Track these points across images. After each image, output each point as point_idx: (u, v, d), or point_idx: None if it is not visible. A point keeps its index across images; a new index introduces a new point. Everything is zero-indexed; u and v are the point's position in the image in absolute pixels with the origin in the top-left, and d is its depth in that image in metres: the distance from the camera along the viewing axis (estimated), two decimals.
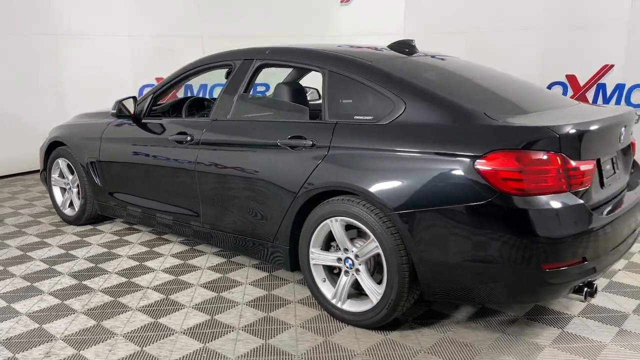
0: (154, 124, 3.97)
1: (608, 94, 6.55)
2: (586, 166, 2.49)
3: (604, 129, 2.68)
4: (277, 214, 3.13)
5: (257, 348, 2.71)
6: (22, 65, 6.88)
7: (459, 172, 2.46)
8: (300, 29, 8.06)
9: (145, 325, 2.96)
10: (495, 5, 7.37)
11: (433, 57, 3.52)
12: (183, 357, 2.64)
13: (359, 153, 2.79)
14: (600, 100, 6.64)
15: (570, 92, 6.90)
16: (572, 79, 6.86)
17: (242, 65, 3.53)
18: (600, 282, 3.43)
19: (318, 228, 2.93)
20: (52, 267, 3.85)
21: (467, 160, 2.45)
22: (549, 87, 7.08)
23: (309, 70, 3.41)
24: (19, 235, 4.57)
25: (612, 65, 6.47)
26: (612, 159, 2.92)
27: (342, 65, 3.07)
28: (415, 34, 8.05)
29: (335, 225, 2.86)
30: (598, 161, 2.72)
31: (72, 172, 4.68)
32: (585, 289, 2.54)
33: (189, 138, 3.58)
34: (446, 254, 2.53)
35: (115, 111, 4.02)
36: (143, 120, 4.05)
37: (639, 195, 3.06)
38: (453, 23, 7.70)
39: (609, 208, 2.71)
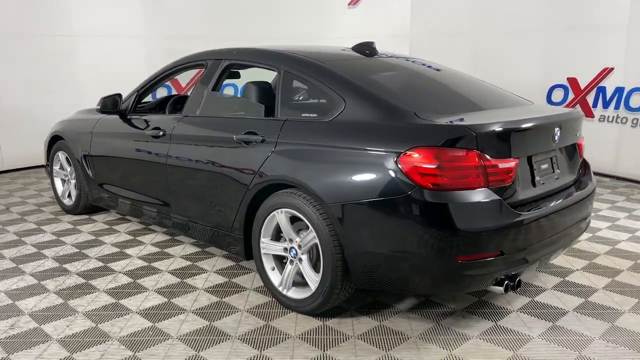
0: (138, 119, 4.22)
1: (608, 97, 6.50)
2: (506, 164, 2.59)
3: (530, 128, 2.77)
4: (233, 205, 3.32)
5: (200, 329, 2.90)
6: (39, 65, 7.28)
7: (384, 167, 2.60)
8: (308, 31, 8.25)
9: (106, 305, 3.20)
10: (498, 8, 7.40)
11: (393, 58, 3.64)
12: (132, 333, 2.86)
13: (302, 149, 2.96)
14: (600, 103, 6.60)
15: (571, 95, 6.88)
16: (573, 81, 6.83)
17: (212, 64, 3.74)
18: (551, 280, 3.50)
19: (267, 219, 3.11)
20: (41, 251, 4.14)
21: (392, 156, 2.58)
22: (550, 90, 7.08)
23: (270, 70, 3.58)
24: (20, 222, 4.90)
25: (612, 69, 6.42)
26: (551, 158, 3.00)
27: (294, 65, 3.24)
28: (421, 35, 8.18)
29: (281, 216, 3.03)
30: (530, 160, 2.81)
31: (70, 165, 4.99)
32: (507, 281, 2.64)
33: (161, 133, 3.82)
34: (371, 245, 2.66)
35: (99, 107, 4.29)
36: (128, 116, 4.30)
37: (584, 195, 3.13)
38: (458, 25, 7.76)
39: (541, 205, 2.79)
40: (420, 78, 3.45)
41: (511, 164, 2.61)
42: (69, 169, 5.03)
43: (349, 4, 8.35)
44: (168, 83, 7.87)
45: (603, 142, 6.57)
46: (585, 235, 4.38)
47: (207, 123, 3.61)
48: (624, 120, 6.35)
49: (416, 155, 2.53)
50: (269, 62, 3.42)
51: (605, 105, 6.54)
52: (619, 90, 6.39)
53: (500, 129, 2.62)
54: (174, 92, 8.00)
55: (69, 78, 7.53)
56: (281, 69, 3.29)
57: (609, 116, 6.51)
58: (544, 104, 3.49)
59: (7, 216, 5.12)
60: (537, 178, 2.85)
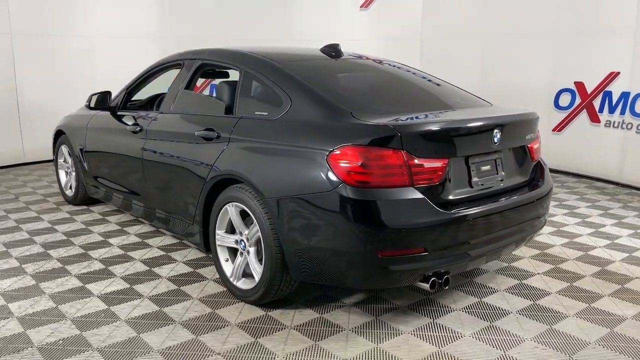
0: (125, 115, 4.43)
1: (614, 102, 6.36)
2: (433, 164, 2.65)
3: (462, 130, 2.82)
4: (194, 199, 3.48)
5: (148, 313, 3.07)
6: (60, 65, 7.67)
7: (316, 164, 2.70)
8: (320, 33, 8.37)
9: (72, 288, 3.41)
10: (508, 12, 7.35)
11: (357, 59, 3.73)
12: (86, 314, 3.05)
13: (250, 145, 3.09)
14: (606, 108, 6.46)
15: (578, 100, 6.76)
16: (580, 86, 6.71)
17: (187, 64, 3.92)
18: (507, 282, 3.51)
19: (221, 212, 3.25)
20: (32, 237, 4.42)
21: (323, 153, 2.68)
22: (558, 94, 6.97)
23: (234, 69, 3.71)
24: (23, 210, 5.22)
25: (618, 73, 6.28)
26: (495, 160, 3.04)
27: (252, 65, 3.38)
28: (431, 37, 8.19)
29: (231, 209, 3.17)
30: (467, 161, 2.86)
31: (71, 158, 5.27)
32: (433, 278, 2.70)
33: (138, 129, 4.02)
34: (304, 239, 2.77)
35: (87, 103, 4.54)
36: (118, 113, 4.53)
37: (536, 196, 3.15)
38: (467, 27, 7.74)
39: (476, 205, 2.83)
40: (377, 79, 3.53)
41: (438, 164, 2.67)
42: (70, 162, 5.32)
43: (361, 6, 8.43)
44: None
45: (608, 148, 6.44)
46: (561, 241, 4.35)
47: (176, 119, 3.79)
48: (629, 126, 6.20)
49: (343, 153, 2.62)
50: (231, 61, 3.58)
51: (611, 110, 6.40)
52: (624, 95, 6.24)
53: (428, 129, 2.69)
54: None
55: (87, 76, 7.90)
56: (241, 69, 3.43)
57: (614, 122, 6.37)
58: (504, 106, 3.49)
59: (14, 204, 5.45)
60: (474, 179, 2.89)
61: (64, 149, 5.37)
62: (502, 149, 3.03)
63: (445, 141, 2.75)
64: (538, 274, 3.67)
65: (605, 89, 6.44)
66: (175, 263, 3.85)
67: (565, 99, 6.91)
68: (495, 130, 2.91)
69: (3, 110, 7.34)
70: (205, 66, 3.84)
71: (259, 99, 3.33)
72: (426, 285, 2.71)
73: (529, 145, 3.25)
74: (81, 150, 4.96)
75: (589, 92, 6.62)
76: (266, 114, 3.17)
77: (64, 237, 4.41)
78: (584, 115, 6.72)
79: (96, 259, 3.92)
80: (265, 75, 3.26)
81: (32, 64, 7.47)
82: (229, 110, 3.42)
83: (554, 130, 7.07)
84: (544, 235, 4.50)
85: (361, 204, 2.57)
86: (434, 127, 2.74)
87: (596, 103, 6.57)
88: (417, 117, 2.85)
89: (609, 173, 6.48)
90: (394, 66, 3.86)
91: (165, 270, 3.71)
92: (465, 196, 2.84)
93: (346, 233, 2.61)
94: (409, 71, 3.83)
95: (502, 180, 3.06)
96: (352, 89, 3.34)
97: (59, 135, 5.46)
